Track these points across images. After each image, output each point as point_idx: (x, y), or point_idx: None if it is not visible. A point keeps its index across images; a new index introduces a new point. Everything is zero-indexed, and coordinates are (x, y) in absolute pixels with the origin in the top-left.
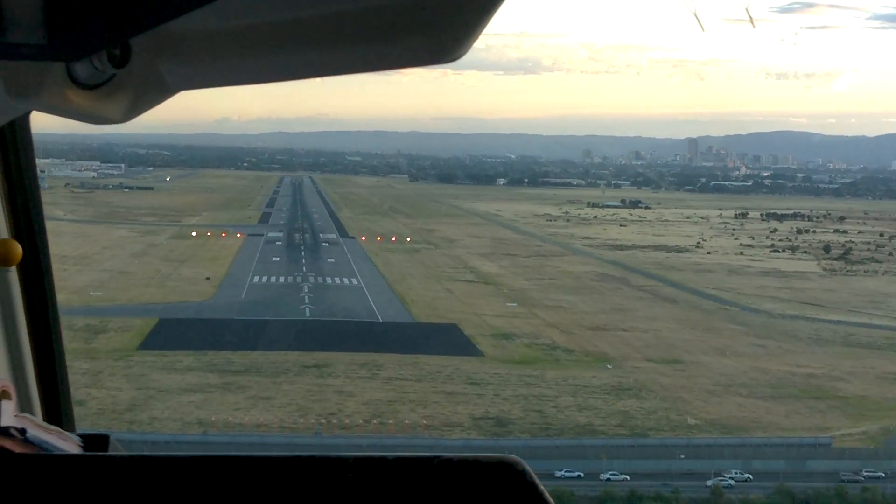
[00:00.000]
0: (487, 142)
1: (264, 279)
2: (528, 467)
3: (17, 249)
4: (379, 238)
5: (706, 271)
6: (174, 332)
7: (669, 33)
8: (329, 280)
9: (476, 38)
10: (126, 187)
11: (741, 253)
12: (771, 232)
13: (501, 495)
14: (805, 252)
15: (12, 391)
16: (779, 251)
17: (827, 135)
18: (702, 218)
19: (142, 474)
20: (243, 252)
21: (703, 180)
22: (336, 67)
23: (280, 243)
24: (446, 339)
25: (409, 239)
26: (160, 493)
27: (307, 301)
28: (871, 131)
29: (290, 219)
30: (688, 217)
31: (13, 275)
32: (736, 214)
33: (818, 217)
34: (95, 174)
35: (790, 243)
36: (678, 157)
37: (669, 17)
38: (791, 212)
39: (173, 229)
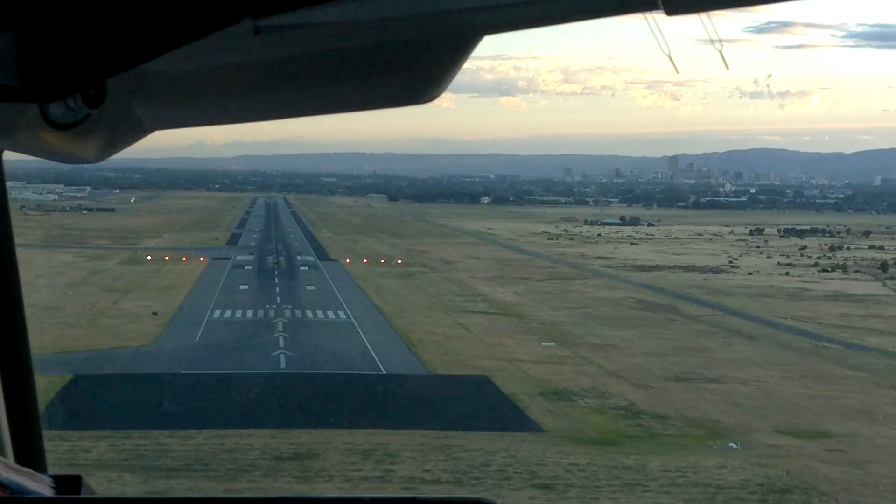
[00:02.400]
0: (464, 162)
1: (227, 314)
2: None
3: None
4: (365, 260)
5: (762, 296)
6: (90, 399)
7: (643, 56)
8: (310, 314)
9: (451, 79)
10: (85, 209)
11: (786, 273)
12: (800, 249)
13: None
14: (857, 271)
15: None
16: (827, 270)
17: (803, 152)
18: (714, 235)
19: None
20: (205, 279)
21: (693, 197)
22: (313, 108)
23: (250, 268)
24: (480, 402)
25: (399, 261)
26: None
27: (282, 345)
28: (848, 148)
29: (263, 240)
30: (699, 234)
31: None
32: (751, 231)
33: (839, 233)
34: (57, 196)
35: (831, 261)
36: (659, 175)
37: (642, 41)
38: (807, 227)
39: (126, 253)
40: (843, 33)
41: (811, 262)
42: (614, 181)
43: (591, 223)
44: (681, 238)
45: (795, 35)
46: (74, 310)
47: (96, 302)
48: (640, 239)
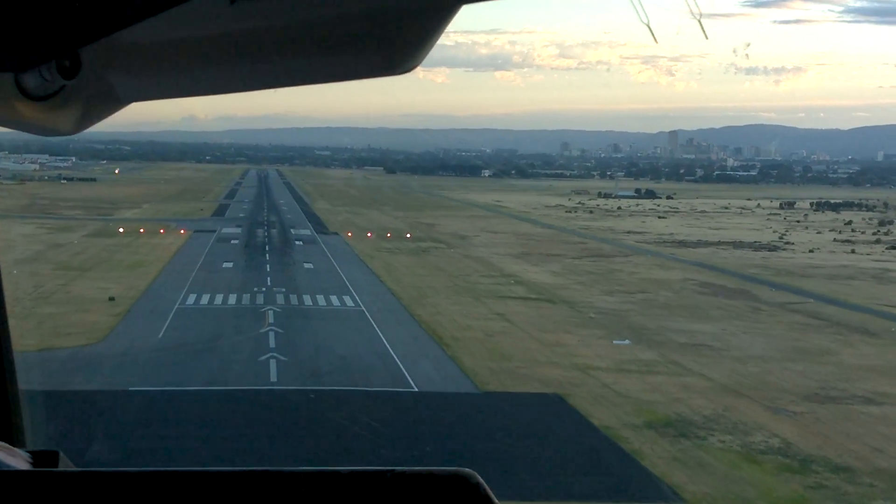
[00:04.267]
0: (459, 137)
1: (204, 299)
2: (482, 481)
3: None
4: (369, 234)
5: (843, 278)
6: None
7: (639, 30)
8: (308, 300)
9: (429, 48)
10: (65, 178)
11: (852, 251)
12: (845, 224)
13: None
14: None
15: None
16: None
17: (800, 128)
18: (741, 208)
19: (93, 490)
20: (182, 255)
21: (700, 171)
22: (290, 79)
23: (236, 242)
24: (562, 443)
25: (408, 235)
26: None
27: (272, 344)
28: (844, 124)
29: (253, 211)
30: (725, 208)
31: None
32: (780, 204)
33: (874, 207)
34: (38, 167)
35: (891, 237)
36: (659, 150)
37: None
38: (839, 201)
39: (97, 224)
40: (842, 8)
41: (870, 238)
42: (613, 156)
43: (606, 196)
44: (707, 211)
45: (793, 10)
46: (12, 294)
47: (42, 284)
48: (666, 212)
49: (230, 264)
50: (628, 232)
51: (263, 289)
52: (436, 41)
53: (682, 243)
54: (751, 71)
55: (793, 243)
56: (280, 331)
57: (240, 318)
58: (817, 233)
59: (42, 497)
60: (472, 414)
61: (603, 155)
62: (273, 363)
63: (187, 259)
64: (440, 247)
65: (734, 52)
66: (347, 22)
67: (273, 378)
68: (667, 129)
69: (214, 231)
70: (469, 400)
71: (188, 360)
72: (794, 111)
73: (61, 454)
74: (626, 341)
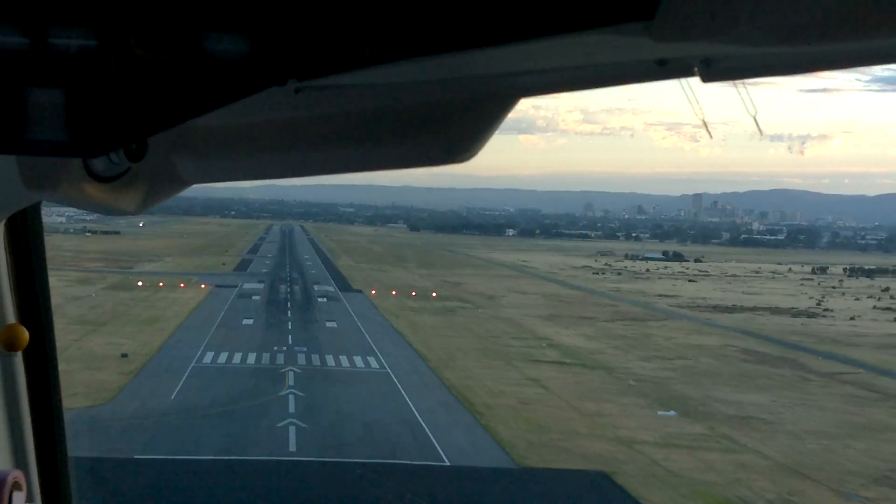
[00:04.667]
0: (483, 196)
1: (222, 358)
2: None
3: (24, 334)
4: (394, 292)
5: (891, 347)
6: None
7: (663, 98)
8: (331, 361)
9: (487, 140)
10: (89, 231)
11: (895, 319)
12: (882, 291)
13: None
14: None
15: (23, 482)
16: None
17: (826, 193)
18: (773, 273)
19: None
20: (202, 310)
21: (726, 234)
22: (347, 166)
23: (258, 298)
24: None
25: (434, 294)
26: None
27: (292, 409)
28: (870, 191)
29: (276, 267)
30: (756, 272)
31: (18, 360)
32: (813, 269)
33: None
34: (65, 220)
35: None
36: (683, 213)
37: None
38: (873, 267)
39: (116, 277)
40: (868, 77)
41: None
42: (637, 217)
43: (633, 258)
44: (738, 275)
45: (820, 79)
46: None
47: (58, 337)
48: (696, 275)
49: (250, 321)
50: (660, 295)
51: (284, 348)
52: (495, 131)
53: (717, 308)
54: (775, 138)
55: (832, 310)
56: (301, 394)
57: (258, 379)
58: (855, 299)
59: None
60: (511, 493)
61: (627, 216)
62: (292, 431)
63: (206, 314)
64: (467, 307)
65: (788, 149)
66: (409, 112)
67: (292, 447)
68: (690, 192)
69: (236, 286)
70: (507, 477)
71: (201, 425)
72: (818, 177)
73: None
74: (672, 412)
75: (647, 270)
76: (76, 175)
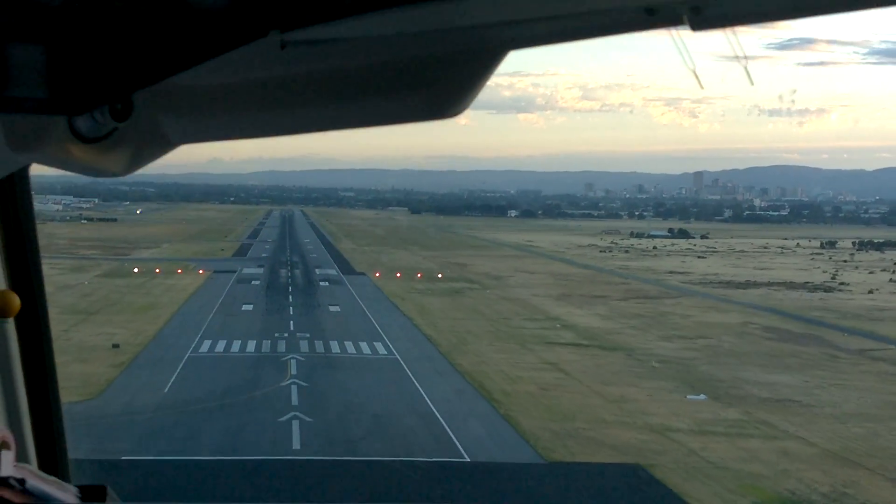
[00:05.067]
0: (482, 178)
1: (219, 346)
2: None
3: (15, 301)
4: (398, 274)
5: None
6: None
7: (662, 72)
8: (335, 347)
9: (475, 94)
10: (86, 219)
11: None
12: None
13: None
14: None
15: (11, 442)
16: None
17: (824, 168)
18: (781, 248)
19: None
20: (199, 296)
21: (729, 211)
22: (336, 123)
23: (258, 283)
24: None
25: (440, 275)
26: None
27: (295, 401)
28: (869, 165)
29: (276, 251)
30: (764, 247)
31: (10, 326)
32: (822, 244)
33: None
34: (61, 207)
35: None
36: (684, 191)
37: (662, 57)
38: (881, 241)
39: (112, 264)
40: (866, 50)
41: None
42: (638, 196)
43: (638, 235)
44: (747, 251)
45: (818, 52)
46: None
47: (46, 304)
48: (704, 252)
49: (250, 307)
50: (670, 272)
51: (286, 334)
52: (483, 86)
53: (730, 284)
54: (774, 113)
55: (848, 284)
56: (304, 384)
57: (259, 369)
58: (869, 273)
59: None
60: (539, 491)
61: (628, 195)
62: (296, 426)
63: (204, 301)
64: (475, 287)
65: (780, 98)
66: (396, 67)
67: (296, 445)
68: (690, 171)
69: (235, 271)
70: (534, 473)
71: (196, 422)
72: (817, 152)
73: (109, 489)
74: (702, 396)
75: (655, 248)
76: (61, 136)
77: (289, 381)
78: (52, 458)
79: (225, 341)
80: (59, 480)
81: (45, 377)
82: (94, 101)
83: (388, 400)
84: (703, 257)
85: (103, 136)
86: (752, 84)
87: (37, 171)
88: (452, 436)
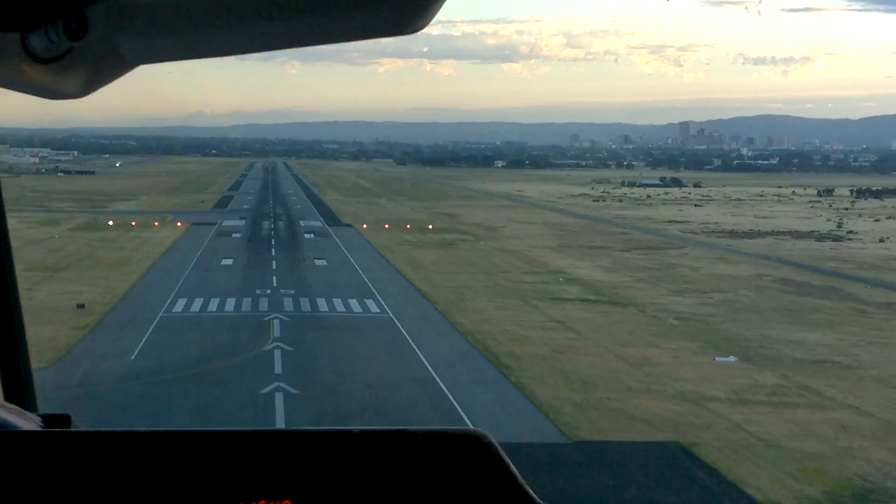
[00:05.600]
0: (466, 130)
1: (195, 305)
2: (493, 440)
3: None
4: (387, 226)
5: None
6: None
7: (647, 18)
8: (323, 305)
9: (438, 8)
10: (62, 171)
11: None
12: None
13: (467, 467)
14: None
15: None
16: None
17: (810, 118)
18: (778, 196)
19: (105, 449)
20: (176, 250)
21: (717, 161)
22: (298, 39)
23: (238, 235)
24: None
25: (430, 227)
26: (124, 468)
27: (278, 369)
28: (854, 114)
29: (259, 203)
30: (760, 196)
31: None
32: (819, 192)
33: None
34: (38, 160)
35: None
36: (670, 140)
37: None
38: (878, 188)
39: (86, 217)
40: None
41: None
42: (624, 147)
43: (630, 185)
44: (743, 200)
45: None
46: None
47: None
48: (699, 201)
49: (229, 261)
50: (669, 221)
51: (268, 291)
52: (444, 1)
53: (734, 233)
54: (759, 61)
55: (856, 232)
56: (289, 348)
57: (238, 331)
58: (875, 220)
59: (55, 456)
60: (568, 480)
61: (614, 146)
62: (280, 399)
63: (181, 255)
64: (468, 238)
65: (745, 9)
66: None
67: (279, 421)
68: (675, 121)
69: (215, 224)
70: (559, 455)
71: (164, 394)
72: (802, 101)
73: (73, 417)
74: (732, 358)
75: (648, 196)
76: (14, 54)
77: (271, 346)
78: (18, 388)
79: (202, 299)
80: (21, 409)
81: (9, 306)
82: (45, 15)
83: (384, 366)
84: (699, 206)
85: (58, 57)
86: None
87: (15, 123)
88: (459, 409)
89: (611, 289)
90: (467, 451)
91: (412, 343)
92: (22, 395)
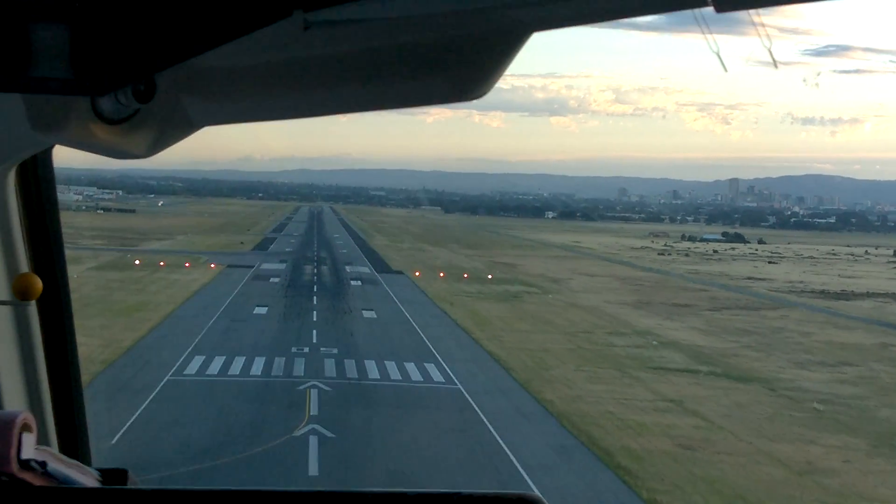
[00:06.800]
0: (513, 181)
1: (214, 366)
2: None
3: (38, 283)
4: (441, 274)
5: None
6: None
7: (696, 76)
8: (372, 370)
9: (500, 75)
10: (102, 209)
11: None
12: None
13: None
14: None
15: (33, 424)
16: None
17: (857, 179)
18: (852, 255)
19: None
20: (204, 295)
21: (772, 218)
22: (358, 105)
23: (277, 280)
24: None
25: (489, 276)
26: None
27: (314, 467)
28: None
29: (302, 246)
30: (833, 253)
31: (33, 308)
32: (895, 252)
33: None
34: (81, 198)
35: None
36: (719, 197)
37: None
38: None
39: (113, 255)
40: None
41: None
42: (673, 202)
43: (691, 239)
44: (816, 258)
45: (853, 59)
46: None
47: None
48: (770, 257)
49: (263, 310)
50: (749, 278)
51: (306, 349)
52: (507, 67)
53: (826, 294)
54: (807, 121)
55: None
56: (328, 434)
57: (263, 404)
58: None
59: None
60: None
61: (662, 201)
62: None
63: (208, 301)
64: (533, 291)
65: (804, 81)
66: (420, 48)
67: None
68: (722, 178)
69: (252, 266)
70: None
71: None
72: (850, 162)
73: (129, 472)
74: None
75: (715, 252)
76: (84, 116)
77: (305, 429)
78: (73, 442)
79: (223, 358)
80: (80, 464)
81: (67, 360)
82: (117, 81)
83: (460, 467)
84: (774, 262)
85: (126, 118)
86: (777, 67)
87: (63, 162)
88: None
89: (719, 357)
90: None
91: (492, 430)
92: (77, 449)
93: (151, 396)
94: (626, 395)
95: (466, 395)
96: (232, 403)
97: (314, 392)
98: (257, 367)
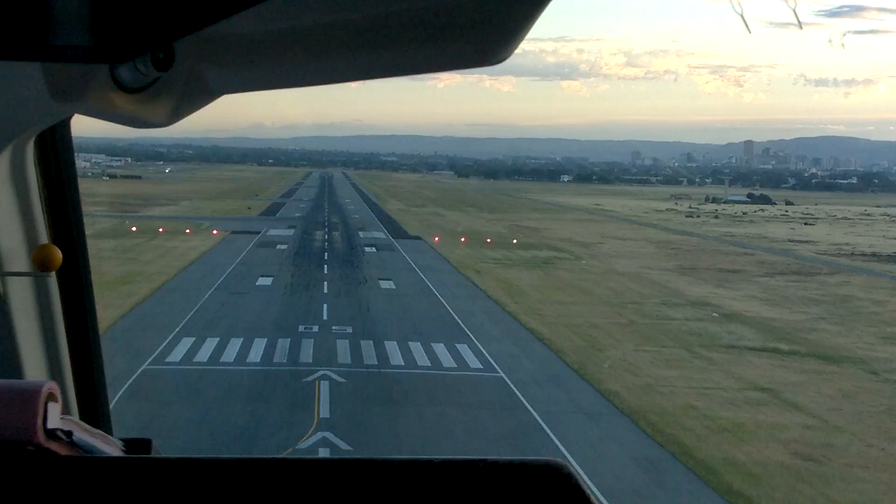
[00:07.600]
0: (525, 146)
1: (205, 351)
2: (574, 470)
3: (57, 254)
4: (463, 239)
5: None
6: None
7: (708, 38)
8: (396, 354)
9: (521, 40)
10: (108, 175)
11: None
12: None
13: (547, 498)
14: None
15: (58, 394)
16: None
17: (873, 140)
18: (886, 216)
19: (188, 476)
20: (203, 264)
21: (792, 180)
22: (379, 70)
23: (284, 247)
24: None
25: (514, 241)
26: (206, 494)
27: None
28: None
29: (312, 211)
30: (866, 214)
31: (53, 280)
32: None
33: None
34: (89, 164)
35: None
36: (734, 160)
37: (708, 22)
38: None
39: (110, 222)
40: None
41: None
42: (687, 165)
43: (715, 201)
44: (850, 218)
45: (868, 20)
46: None
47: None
48: (805, 219)
49: (267, 280)
50: (791, 241)
51: (315, 328)
52: (528, 31)
53: (879, 257)
54: (820, 83)
55: None
56: (344, 445)
57: (261, 402)
58: None
59: (138, 482)
60: None
61: (676, 164)
62: None
63: (206, 271)
64: (564, 257)
65: (829, 41)
66: (440, 12)
67: None
68: (735, 140)
69: (258, 232)
70: None
71: None
72: (864, 123)
73: (154, 442)
74: None
75: (745, 213)
76: (103, 85)
77: (314, 439)
78: (94, 411)
79: (216, 340)
80: (105, 434)
81: (87, 331)
82: (136, 49)
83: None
84: (811, 224)
85: (145, 86)
86: (801, 28)
87: (78, 132)
88: None
89: (794, 332)
90: (547, 480)
91: (550, 433)
92: (99, 419)
93: (118, 395)
94: (706, 382)
95: (512, 387)
96: (220, 402)
97: (325, 385)
98: (256, 351)
